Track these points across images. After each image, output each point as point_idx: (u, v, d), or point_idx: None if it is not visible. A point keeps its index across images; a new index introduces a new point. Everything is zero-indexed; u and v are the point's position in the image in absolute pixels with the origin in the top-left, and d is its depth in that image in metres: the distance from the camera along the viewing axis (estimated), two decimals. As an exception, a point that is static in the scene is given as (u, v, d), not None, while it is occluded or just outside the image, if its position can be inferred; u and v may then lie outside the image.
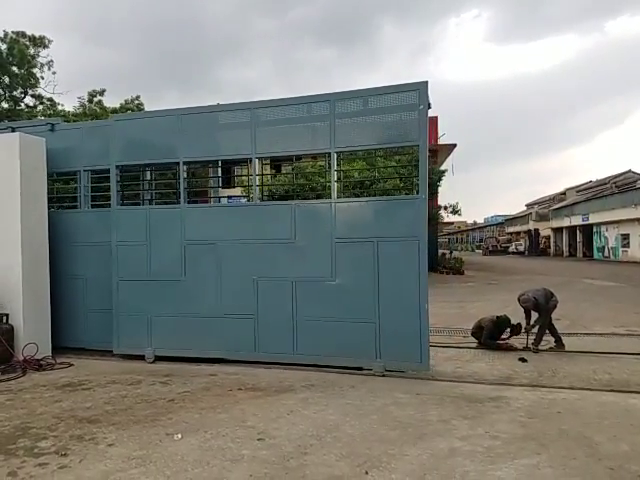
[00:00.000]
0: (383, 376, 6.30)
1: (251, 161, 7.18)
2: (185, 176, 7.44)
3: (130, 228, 7.57)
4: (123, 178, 8.02)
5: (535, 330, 7.73)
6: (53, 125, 8.16)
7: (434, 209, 23.05)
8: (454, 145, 25.74)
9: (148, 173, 7.99)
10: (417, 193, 6.43)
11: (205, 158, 7.66)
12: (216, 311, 7.14)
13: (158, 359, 7.36)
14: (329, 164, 6.86)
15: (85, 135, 8.09)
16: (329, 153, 6.78)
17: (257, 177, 7.23)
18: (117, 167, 7.67)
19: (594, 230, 41.10)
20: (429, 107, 6.34)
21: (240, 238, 7.06)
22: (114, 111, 24.96)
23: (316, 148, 6.97)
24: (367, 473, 3.59)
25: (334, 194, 6.86)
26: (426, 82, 6.30)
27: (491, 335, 7.92)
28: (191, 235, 7.30)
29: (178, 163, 7.41)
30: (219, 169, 8.68)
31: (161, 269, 7.40)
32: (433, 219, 23.13)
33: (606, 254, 39.08)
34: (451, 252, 38.41)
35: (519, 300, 7.97)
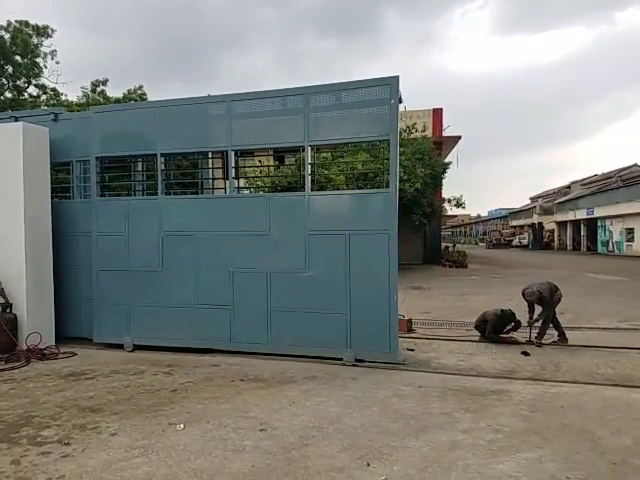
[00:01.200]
0: (354, 366, 6.40)
1: (227, 153, 7.21)
2: (163, 168, 7.52)
3: (110, 219, 7.65)
4: (108, 169, 8.09)
5: (538, 324, 7.71)
6: (57, 115, 8.13)
7: (438, 202, 22.94)
8: (459, 137, 25.59)
9: (138, 165, 8.01)
10: (388, 187, 6.51)
11: (182, 150, 7.72)
12: (193, 301, 7.25)
13: (137, 348, 7.44)
14: (304, 157, 6.93)
15: (77, 126, 8.06)
16: (303, 146, 6.86)
17: (233, 169, 7.27)
18: (97, 159, 7.74)
19: (598, 224, 40.91)
20: (400, 102, 6.41)
21: (216, 230, 7.17)
22: (117, 101, 24.90)
23: (291, 141, 7.04)
24: (369, 465, 3.59)
25: (308, 187, 6.91)
26: (397, 77, 6.36)
27: (495, 329, 7.91)
28: (168, 226, 7.38)
29: (156, 155, 7.47)
30: (210, 161, 8.65)
31: (139, 260, 7.50)
32: (436, 212, 23.05)
33: (610, 248, 38.92)
34: (454, 245, 38.34)
35: (523, 294, 7.94)
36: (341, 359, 6.51)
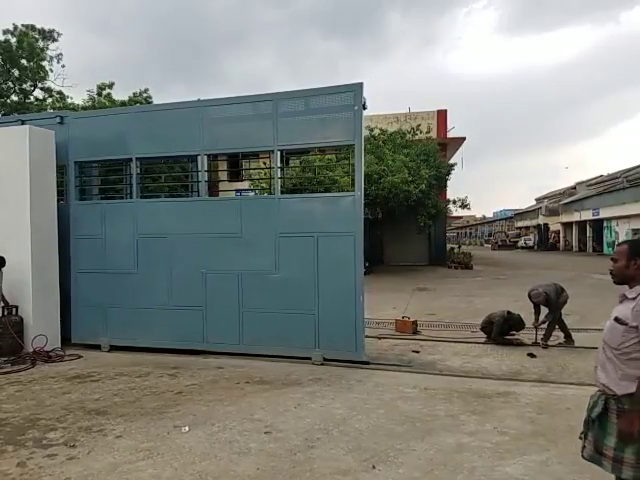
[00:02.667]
0: (322, 365, 6.51)
1: (200, 157, 7.41)
2: (138, 172, 7.69)
3: (87, 222, 7.82)
4: (109, 172, 8.20)
5: (544, 325, 7.67)
6: (62, 118, 8.17)
7: (443, 203, 22.87)
8: (463, 138, 25.50)
9: (131, 167, 8.03)
10: (354, 190, 6.73)
11: (157, 154, 7.89)
12: (167, 302, 7.38)
13: (115, 349, 7.54)
14: (273, 161, 7.12)
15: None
16: (272, 150, 7.03)
17: (205, 173, 7.45)
18: (75, 163, 7.92)
19: (604, 225, 40.66)
20: (364, 108, 6.60)
21: (190, 232, 7.32)
22: (123, 104, 24.99)
23: (261, 145, 7.31)
24: (374, 467, 3.58)
25: (278, 190, 7.09)
26: (361, 84, 6.55)
27: (501, 330, 7.87)
28: (143, 229, 7.53)
29: (131, 159, 7.63)
30: (202, 162, 8.83)
31: (115, 262, 7.65)
32: (441, 213, 22.98)
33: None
34: (459, 246, 38.21)
35: (529, 295, 7.90)
36: (310, 358, 6.61)
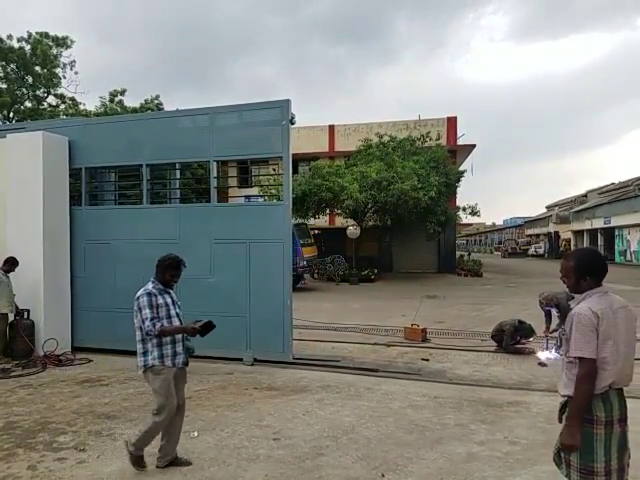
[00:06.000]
0: (252, 365, 6.83)
1: (143, 168, 7.77)
2: (87, 180, 8.02)
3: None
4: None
5: (556, 334, 7.59)
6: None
7: (452, 210, 22.78)
8: (473, 146, 25.40)
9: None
10: (282, 200, 7.13)
11: (106, 164, 8.22)
12: (111, 306, 7.62)
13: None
14: (209, 171, 7.54)
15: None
16: (209, 161, 7.48)
17: (147, 182, 7.80)
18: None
19: (616, 233, 40.25)
20: (292, 123, 7.02)
21: (131, 238, 7.69)
22: (134, 110, 25.27)
23: (198, 156, 7.82)
24: (383, 476, 3.56)
25: (214, 198, 7.48)
26: (288, 100, 6.97)
27: (512, 339, 7.80)
28: (89, 235, 7.91)
29: (81, 169, 7.97)
30: (178, 172, 9.05)
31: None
32: (451, 220, 22.87)
33: (628, 258, 38.26)
34: (469, 254, 38.02)
35: (541, 302, 7.82)
36: (241, 359, 6.91)
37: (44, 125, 8.81)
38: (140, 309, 3.54)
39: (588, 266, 2.53)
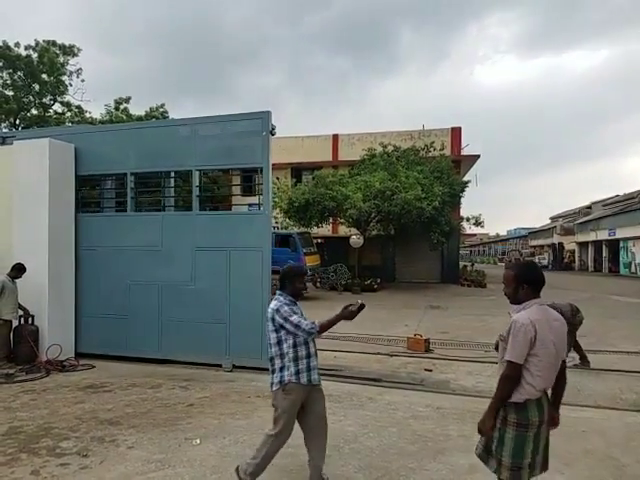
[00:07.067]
0: (231, 372, 6.96)
1: (127, 176, 7.95)
2: (77, 187, 8.08)
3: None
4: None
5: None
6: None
7: (456, 220, 22.76)
8: (478, 156, 25.44)
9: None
10: (262, 209, 7.28)
11: (95, 172, 8.27)
12: (95, 311, 7.84)
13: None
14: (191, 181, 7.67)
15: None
16: (191, 171, 7.61)
17: (131, 190, 7.95)
18: None
19: (621, 245, 40.12)
20: (273, 134, 7.12)
21: (116, 245, 7.83)
22: (139, 119, 25.45)
23: (182, 165, 7.87)
24: (386, 486, 3.54)
25: (196, 207, 7.59)
26: (269, 112, 7.09)
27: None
28: (82, 242, 8.03)
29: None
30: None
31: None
32: (455, 230, 22.84)
33: (633, 270, 38.08)
34: (473, 264, 37.94)
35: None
36: (221, 365, 7.04)
37: (28, 134, 9.07)
38: (285, 319, 3.31)
39: (526, 276, 2.80)
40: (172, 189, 8.87)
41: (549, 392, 2.80)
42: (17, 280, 7.08)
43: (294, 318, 3.31)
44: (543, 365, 2.64)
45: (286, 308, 3.36)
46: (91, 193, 8.69)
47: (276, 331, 3.37)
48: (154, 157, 7.81)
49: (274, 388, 3.40)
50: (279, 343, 3.37)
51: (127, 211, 7.98)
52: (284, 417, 3.36)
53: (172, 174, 8.48)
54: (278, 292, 3.53)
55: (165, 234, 7.60)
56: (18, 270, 7.05)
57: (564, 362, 2.85)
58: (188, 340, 7.34)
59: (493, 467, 2.79)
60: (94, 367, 7.18)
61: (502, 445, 2.71)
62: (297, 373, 3.34)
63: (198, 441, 4.35)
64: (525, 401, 2.67)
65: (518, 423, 2.67)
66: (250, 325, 6.96)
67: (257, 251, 7.08)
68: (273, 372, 3.42)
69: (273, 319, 3.36)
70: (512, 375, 2.67)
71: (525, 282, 2.77)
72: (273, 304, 3.43)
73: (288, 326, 3.31)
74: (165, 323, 7.50)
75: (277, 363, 3.38)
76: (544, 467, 2.79)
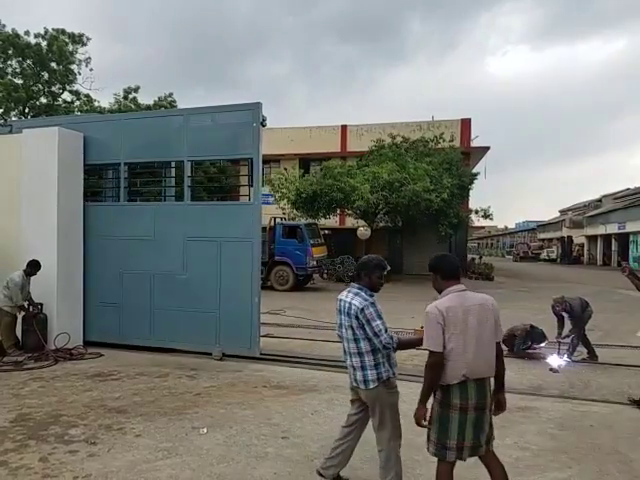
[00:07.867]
0: (221, 360, 7.00)
1: (121, 166, 7.96)
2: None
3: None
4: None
5: (568, 340, 7.52)
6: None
7: (465, 212, 22.60)
8: (487, 148, 25.20)
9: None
10: (252, 200, 7.30)
11: (91, 162, 8.12)
12: (92, 300, 7.93)
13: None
14: (183, 170, 7.65)
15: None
16: (183, 161, 7.63)
17: (125, 180, 7.99)
18: None
19: (630, 239, 39.75)
20: (263, 125, 7.13)
21: (109, 234, 7.89)
22: (147, 108, 25.43)
23: (174, 156, 7.89)
24: (391, 478, 3.53)
25: (187, 197, 7.61)
26: (259, 103, 7.09)
27: (524, 344, 7.74)
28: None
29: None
30: (168, 171, 9.07)
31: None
32: (463, 223, 22.70)
33: (643, 264, 37.76)
34: (481, 257, 37.79)
35: (553, 307, 7.73)
36: (211, 353, 7.09)
37: (27, 123, 9.17)
38: (369, 321, 3.15)
39: (434, 265, 3.01)
40: (165, 179, 8.89)
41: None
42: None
43: (377, 324, 3.15)
44: (461, 350, 2.73)
45: (372, 310, 3.18)
46: (88, 182, 8.65)
47: (361, 328, 3.19)
48: (147, 147, 7.86)
49: (371, 386, 3.21)
50: (369, 339, 3.20)
51: (120, 200, 8.04)
52: (393, 415, 3.29)
53: (172, 164, 8.49)
54: (356, 285, 3.34)
55: (157, 224, 7.65)
56: (33, 267, 7.03)
57: (498, 344, 2.95)
58: (179, 329, 7.43)
59: (426, 445, 3.01)
60: (102, 355, 7.23)
61: (432, 421, 2.90)
62: (392, 367, 3.29)
63: (205, 430, 4.38)
64: (447, 384, 2.78)
65: (441, 402, 2.84)
66: (240, 315, 7.08)
67: (247, 242, 7.14)
68: (363, 369, 3.22)
69: (357, 317, 3.18)
70: (434, 362, 2.78)
71: (433, 271, 2.99)
72: (357, 302, 3.20)
73: (368, 329, 3.16)
74: (157, 312, 7.58)
75: (370, 360, 3.21)
76: (475, 452, 2.86)
